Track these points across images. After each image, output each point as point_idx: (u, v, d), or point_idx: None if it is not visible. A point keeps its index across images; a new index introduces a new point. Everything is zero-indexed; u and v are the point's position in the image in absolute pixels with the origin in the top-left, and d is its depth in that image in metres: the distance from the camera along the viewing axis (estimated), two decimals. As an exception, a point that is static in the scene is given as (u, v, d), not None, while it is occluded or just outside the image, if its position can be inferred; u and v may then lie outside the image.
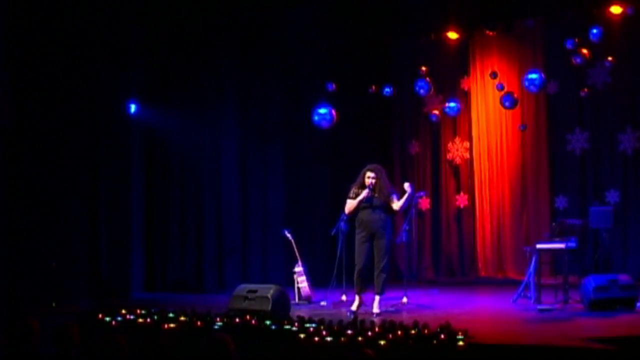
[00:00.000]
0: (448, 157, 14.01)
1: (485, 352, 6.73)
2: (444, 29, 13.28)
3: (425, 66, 13.01)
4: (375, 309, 9.00)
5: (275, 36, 13.00)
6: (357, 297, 9.17)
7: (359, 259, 9.12)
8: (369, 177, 9.10)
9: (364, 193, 9.06)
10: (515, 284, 10.61)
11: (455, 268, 13.82)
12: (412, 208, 10.10)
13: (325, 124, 12.10)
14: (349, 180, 9.56)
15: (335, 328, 7.38)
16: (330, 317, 7.90)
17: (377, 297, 9.07)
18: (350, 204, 9.23)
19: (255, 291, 8.89)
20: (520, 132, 13.12)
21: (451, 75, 13.86)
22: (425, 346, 6.83)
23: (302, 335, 7.41)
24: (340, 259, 10.26)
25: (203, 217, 12.77)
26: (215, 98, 12.91)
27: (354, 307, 9.08)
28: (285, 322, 7.86)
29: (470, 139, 13.77)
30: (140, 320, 8.58)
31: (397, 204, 9.13)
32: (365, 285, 9.20)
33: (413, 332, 7.06)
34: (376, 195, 9.08)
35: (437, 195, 14.08)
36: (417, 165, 14.27)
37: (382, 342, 6.87)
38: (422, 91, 12.98)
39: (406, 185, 9.19)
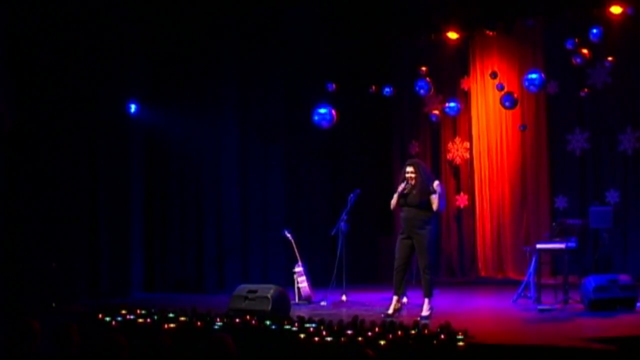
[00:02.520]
0: (448, 157, 14.00)
1: (485, 352, 6.72)
2: (444, 29, 13.29)
3: (425, 66, 13.00)
4: (424, 312, 8.57)
5: (276, 36, 13.01)
6: (393, 299, 8.83)
7: (396, 257, 8.87)
8: (406, 172, 8.80)
9: (400, 187, 8.76)
10: (515, 284, 10.61)
11: (455, 268, 13.82)
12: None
13: (325, 124, 12.08)
14: (349, 180, 9.52)
15: (335, 328, 7.37)
16: (330, 317, 7.89)
17: (425, 300, 8.70)
18: (392, 200, 8.91)
19: (255, 291, 8.89)
20: (520, 132, 13.11)
21: (451, 75, 13.86)
22: (425, 346, 6.83)
23: (302, 335, 7.40)
24: (340, 259, 10.25)
25: (203, 217, 12.77)
26: (216, 98, 12.92)
27: (390, 310, 8.73)
28: (285, 322, 7.85)
29: (470, 139, 13.77)
30: (140, 320, 8.57)
31: (434, 205, 8.72)
32: (404, 285, 8.91)
33: (413, 332, 7.06)
34: (414, 192, 8.72)
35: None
36: (417, 165, 14.24)
37: (382, 342, 6.87)
38: (422, 91, 12.97)
39: (436, 184, 8.76)
